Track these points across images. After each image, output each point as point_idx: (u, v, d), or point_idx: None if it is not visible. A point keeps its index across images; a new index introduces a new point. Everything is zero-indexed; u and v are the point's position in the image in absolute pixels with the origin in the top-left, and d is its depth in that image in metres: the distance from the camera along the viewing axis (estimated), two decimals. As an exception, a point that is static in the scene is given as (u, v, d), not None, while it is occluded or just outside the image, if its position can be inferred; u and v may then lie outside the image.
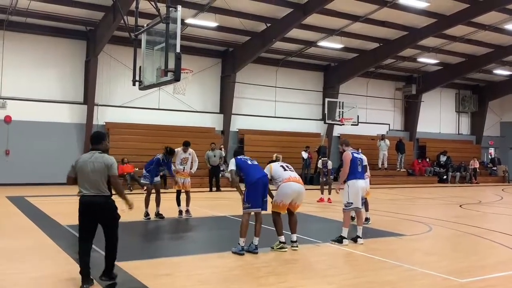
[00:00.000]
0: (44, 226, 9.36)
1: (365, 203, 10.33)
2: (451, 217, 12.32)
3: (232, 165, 7.69)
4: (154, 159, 10.86)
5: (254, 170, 7.59)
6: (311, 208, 13.16)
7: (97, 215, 5.48)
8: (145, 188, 17.10)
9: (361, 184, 8.43)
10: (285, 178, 7.68)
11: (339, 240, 8.29)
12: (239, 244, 7.27)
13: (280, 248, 7.64)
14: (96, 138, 5.68)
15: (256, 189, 7.40)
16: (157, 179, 11.03)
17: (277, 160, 9.33)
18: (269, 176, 7.78)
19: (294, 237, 7.83)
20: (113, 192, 5.60)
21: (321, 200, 14.82)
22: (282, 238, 7.68)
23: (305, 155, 21.86)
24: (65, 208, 12.44)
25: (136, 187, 17.27)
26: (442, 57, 24.24)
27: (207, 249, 7.79)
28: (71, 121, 18.70)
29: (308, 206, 13.48)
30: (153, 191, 10.91)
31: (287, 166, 8.02)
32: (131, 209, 5.69)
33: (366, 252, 7.72)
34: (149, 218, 10.59)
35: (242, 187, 7.64)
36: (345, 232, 8.30)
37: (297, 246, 7.76)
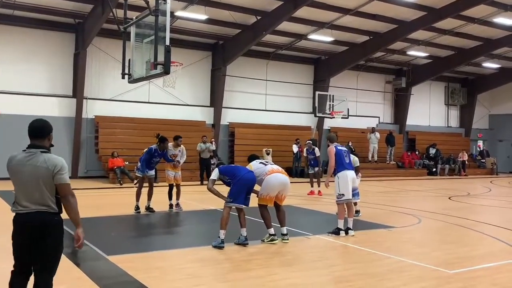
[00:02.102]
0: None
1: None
2: (440, 209, 12.43)
3: (213, 174, 7.68)
4: (147, 149, 10.70)
5: (238, 170, 7.72)
6: (300, 200, 13.21)
7: (34, 240, 3.72)
8: (135, 182, 17.11)
9: (351, 175, 8.57)
10: (268, 171, 7.71)
11: (336, 232, 8.41)
12: (219, 237, 7.30)
13: (270, 240, 7.69)
14: (38, 130, 3.87)
15: (240, 184, 7.48)
16: (151, 172, 10.81)
17: (267, 153, 9.51)
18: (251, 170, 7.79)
19: (284, 230, 7.86)
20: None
21: (311, 193, 14.83)
22: (272, 231, 7.74)
23: (295, 148, 21.89)
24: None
25: (126, 181, 17.23)
26: (431, 50, 24.34)
27: (198, 242, 7.79)
28: (60, 115, 18.54)
29: (298, 199, 13.53)
30: (146, 184, 10.84)
31: (266, 162, 8.07)
32: (79, 246, 3.93)
33: (356, 244, 7.77)
34: (139, 212, 10.55)
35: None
36: (340, 224, 8.44)
37: (287, 239, 7.80)
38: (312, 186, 15.01)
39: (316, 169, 14.91)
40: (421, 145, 27.75)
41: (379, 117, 27.63)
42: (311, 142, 14.67)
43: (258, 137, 21.83)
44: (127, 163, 17.97)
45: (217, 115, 21.74)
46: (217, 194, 7.56)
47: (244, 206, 7.59)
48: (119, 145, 18.75)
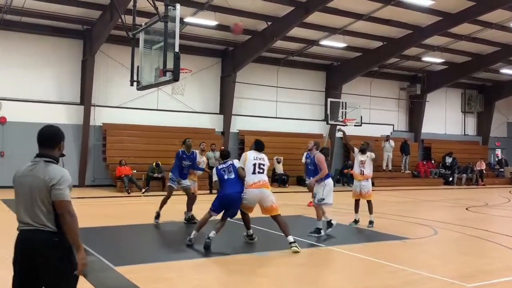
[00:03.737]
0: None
1: (368, 205, 10.39)
2: (457, 219, 12.32)
3: (241, 162, 8.18)
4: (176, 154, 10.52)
5: (226, 186, 8.01)
6: (311, 211, 13.14)
7: (34, 263, 3.38)
8: (143, 191, 17.18)
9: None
10: (249, 184, 8.05)
11: (317, 231, 9.16)
12: (188, 235, 8.03)
13: (249, 239, 8.37)
14: (48, 138, 3.56)
15: (222, 201, 8.01)
16: (186, 182, 10.31)
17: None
18: (242, 166, 8.10)
19: (291, 238, 7.91)
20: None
21: (311, 203, 14.43)
22: (250, 232, 8.38)
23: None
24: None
25: (134, 190, 17.31)
26: (447, 56, 24.23)
27: (207, 253, 7.80)
28: (68, 122, 18.68)
29: (310, 209, 13.47)
30: (179, 192, 10.62)
31: (259, 166, 8.19)
32: (79, 273, 3.43)
33: (370, 256, 7.72)
34: (158, 221, 10.36)
35: None
36: (319, 224, 9.21)
37: (296, 247, 7.79)
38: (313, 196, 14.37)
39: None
40: (437, 154, 27.55)
41: (393, 125, 27.50)
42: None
43: (268, 145, 21.51)
44: (135, 171, 18.04)
45: (227, 123, 21.79)
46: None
47: (216, 214, 8.15)
48: (127, 153, 18.85)
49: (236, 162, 8.18)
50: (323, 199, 9.23)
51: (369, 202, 10.55)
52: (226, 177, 8.02)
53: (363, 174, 10.59)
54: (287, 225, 8.05)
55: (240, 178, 8.00)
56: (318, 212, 9.30)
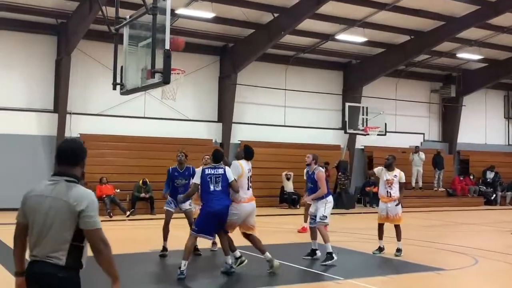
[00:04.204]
0: (5, 259, 9.34)
1: (396, 231, 10.43)
2: (501, 246, 12.25)
3: (196, 178, 8.37)
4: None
5: (211, 198, 8.09)
6: (331, 237, 13.07)
7: None
8: (128, 214, 17.17)
9: None
10: (242, 199, 8.29)
11: (329, 257, 9.19)
12: (179, 268, 8.00)
13: (239, 264, 8.41)
14: (68, 154, 3.62)
15: (208, 219, 8.09)
16: (185, 205, 10.00)
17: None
18: (235, 178, 8.26)
19: (268, 255, 8.29)
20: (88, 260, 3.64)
21: (303, 229, 13.46)
22: (237, 254, 8.47)
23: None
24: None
25: (116, 213, 17.29)
26: (487, 51, 24.22)
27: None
28: (39, 133, 18.71)
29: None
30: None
31: (250, 179, 8.53)
32: None
33: (398, 291, 7.67)
34: (165, 255, 10.07)
35: None
36: (329, 247, 9.26)
37: (272, 264, 8.22)
38: (306, 220, 13.12)
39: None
40: (476, 168, 27.42)
41: (423, 134, 27.45)
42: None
43: (275, 158, 21.80)
44: (118, 190, 18.01)
45: (226, 132, 21.81)
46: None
47: (211, 238, 8.45)
48: (109, 169, 18.83)
49: (228, 172, 8.22)
50: (326, 216, 9.45)
51: (397, 227, 10.49)
52: (212, 188, 8.11)
53: (390, 196, 10.53)
54: (260, 241, 8.50)
55: (228, 191, 8.19)
56: (323, 233, 9.41)
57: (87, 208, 3.40)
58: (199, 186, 8.30)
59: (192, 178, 10.03)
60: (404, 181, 10.71)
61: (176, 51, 9.11)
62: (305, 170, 14.15)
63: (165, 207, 10.27)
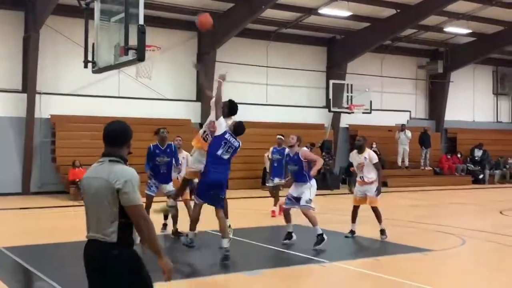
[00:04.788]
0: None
1: (375, 213, 10.27)
2: (489, 226, 12.44)
3: (219, 122, 8.38)
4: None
5: (215, 167, 8.15)
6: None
7: (94, 280, 3.78)
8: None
9: None
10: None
11: (320, 239, 9.16)
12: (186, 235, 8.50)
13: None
14: (114, 135, 3.96)
15: (203, 187, 8.31)
16: (168, 186, 10.00)
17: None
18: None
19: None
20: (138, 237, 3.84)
21: (274, 213, 13.32)
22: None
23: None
24: (1, 226, 12.36)
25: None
26: (475, 25, 24.34)
27: (183, 274, 7.78)
28: (6, 114, 18.46)
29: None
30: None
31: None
32: (168, 278, 3.83)
33: (385, 273, 7.76)
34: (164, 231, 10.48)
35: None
36: (319, 229, 9.25)
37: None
38: (276, 204, 13.22)
39: (283, 180, 12.54)
40: (464, 146, 27.71)
41: (410, 111, 27.62)
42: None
43: (257, 138, 21.78)
44: (92, 174, 17.90)
45: (206, 112, 21.69)
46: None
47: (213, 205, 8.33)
48: (82, 152, 18.66)
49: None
50: (311, 200, 9.44)
51: (374, 209, 10.25)
52: (220, 152, 8.14)
53: (363, 181, 10.29)
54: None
55: (230, 164, 8.39)
56: (311, 216, 9.41)
57: (125, 184, 3.64)
58: (208, 147, 8.33)
59: (175, 156, 10.11)
60: (376, 161, 10.25)
61: (204, 29, 9.20)
62: (270, 150, 14.15)
63: (146, 191, 9.94)
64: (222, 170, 8.20)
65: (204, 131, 8.94)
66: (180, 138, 11.19)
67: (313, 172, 9.50)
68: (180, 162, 10.60)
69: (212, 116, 8.68)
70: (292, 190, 9.60)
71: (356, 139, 10.83)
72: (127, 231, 3.70)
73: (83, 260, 3.81)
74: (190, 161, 9.90)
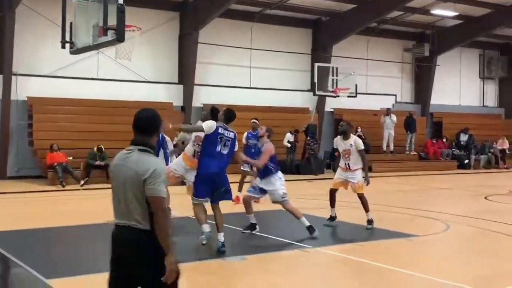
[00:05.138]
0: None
1: (361, 201, 10.06)
2: (474, 212, 12.56)
3: (206, 123, 8.00)
4: None
5: (211, 161, 7.93)
6: (298, 204, 13.24)
7: (123, 264, 3.89)
8: (82, 183, 17.03)
9: None
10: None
11: (312, 229, 9.01)
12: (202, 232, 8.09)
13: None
14: (143, 123, 3.99)
15: (203, 181, 8.05)
16: None
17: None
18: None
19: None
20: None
21: (238, 199, 12.45)
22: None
23: (290, 138, 21.72)
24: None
25: (69, 182, 17.13)
26: (462, 8, 24.41)
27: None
28: (-18, 97, 18.32)
29: (296, 202, 13.56)
30: None
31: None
32: (167, 279, 3.75)
33: (370, 259, 7.84)
34: None
35: None
36: (306, 221, 9.10)
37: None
38: (240, 190, 13.13)
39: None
40: (450, 131, 27.93)
41: (395, 95, 27.73)
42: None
43: (241, 122, 21.28)
44: (70, 158, 17.79)
45: (188, 95, 21.65)
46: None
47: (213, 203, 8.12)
48: (60, 135, 18.56)
49: (236, 139, 8.22)
50: (285, 193, 9.24)
51: (361, 196, 10.00)
52: (218, 149, 7.93)
53: (349, 168, 10.04)
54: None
55: (230, 159, 8.22)
56: (293, 209, 9.29)
57: (151, 175, 3.74)
58: (203, 146, 8.15)
59: (162, 146, 9.99)
60: (362, 148, 9.98)
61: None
62: (245, 135, 13.93)
63: None
64: (218, 163, 7.96)
65: (195, 151, 9.00)
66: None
67: (246, 159, 9.55)
68: (169, 151, 10.54)
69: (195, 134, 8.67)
70: (260, 183, 9.35)
71: (339, 124, 10.57)
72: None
73: (112, 244, 3.92)
74: (173, 163, 9.97)
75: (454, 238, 9.86)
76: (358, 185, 9.98)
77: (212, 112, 8.55)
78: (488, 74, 30.63)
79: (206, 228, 8.08)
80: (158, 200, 3.75)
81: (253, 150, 12.66)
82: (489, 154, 27.24)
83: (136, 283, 3.82)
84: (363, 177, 10.00)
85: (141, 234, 3.79)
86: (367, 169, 10.26)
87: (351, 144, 9.90)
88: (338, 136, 10.32)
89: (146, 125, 3.96)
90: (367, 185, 10.04)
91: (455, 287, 6.45)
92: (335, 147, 10.67)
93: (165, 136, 10.97)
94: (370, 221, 10.01)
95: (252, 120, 13.44)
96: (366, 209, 10.02)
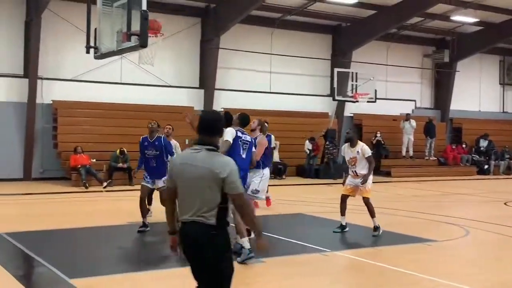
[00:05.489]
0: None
1: (367, 206, 9.79)
2: (493, 217, 12.43)
3: (229, 135, 7.74)
4: None
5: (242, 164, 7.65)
6: (315, 208, 13.22)
7: (193, 257, 4.17)
8: (105, 185, 17.14)
9: None
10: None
11: (239, 253, 7.87)
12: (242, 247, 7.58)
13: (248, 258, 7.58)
14: (209, 124, 4.20)
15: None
16: (160, 182, 9.68)
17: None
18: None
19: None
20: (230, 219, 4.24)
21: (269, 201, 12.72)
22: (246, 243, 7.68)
23: (308, 145, 21.89)
24: (1, 211, 12.43)
25: (93, 184, 17.26)
26: (482, 14, 24.21)
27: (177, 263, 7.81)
28: (8, 99, 18.49)
29: (313, 206, 13.56)
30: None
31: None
32: (263, 249, 4.25)
33: (385, 263, 7.80)
34: (145, 231, 9.84)
35: None
36: (246, 243, 8.26)
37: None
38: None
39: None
40: (470, 136, 27.70)
41: (415, 101, 27.57)
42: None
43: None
44: (94, 160, 17.95)
45: (208, 99, 21.72)
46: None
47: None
48: (83, 138, 18.73)
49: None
50: (258, 191, 8.94)
51: (366, 201, 9.73)
52: (241, 152, 7.87)
53: (357, 174, 9.79)
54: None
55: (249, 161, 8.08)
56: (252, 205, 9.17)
57: (230, 175, 3.99)
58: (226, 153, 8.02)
59: (164, 149, 9.81)
60: (370, 154, 9.73)
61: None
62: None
63: (141, 182, 9.93)
64: (241, 167, 7.85)
65: None
66: (170, 126, 10.80)
67: (258, 154, 8.98)
68: (173, 153, 10.09)
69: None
70: (249, 177, 8.98)
71: (346, 132, 10.33)
72: (223, 214, 4.05)
73: (181, 239, 4.16)
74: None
75: (473, 244, 9.75)
76: (366, 189, 9.74)
77: (226, 117, 8.43)
78: (508, 81, 30.34)
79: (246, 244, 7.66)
80: (240, 196, 4.05)
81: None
82: (509, 160, 26.92)
83: (206, 272, 4.10)
84: (362, 182, 9.69)
85: (208, 229, 4.00)
86: (371, 173, 9.85)
87: (358, 152, 9.69)
88: (346, 144, 10.03)
89: (211, 126, 4.18)
90: (361, 183, 9.66)
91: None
92: (342, 154, 10.27)
93: (173, 141, 10.85)
94: (376, 228, 9.71)
95: (253, 121, 13.08)
96: (372, 215, 9.76)
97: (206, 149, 4.08)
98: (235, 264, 7.41)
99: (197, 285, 4.25)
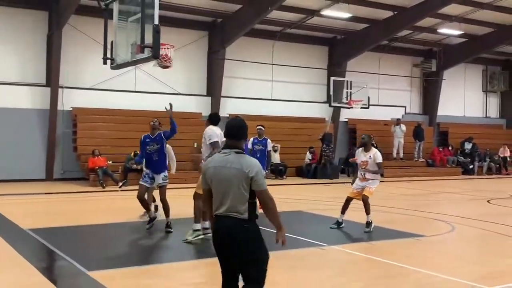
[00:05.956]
0: (1, 230, 9.35)
1: (364, 204, 9.74)
2: (477, 214, 12.40)
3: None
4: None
5: None
6: (313, 206, 13.20)
7: (227, 248, 4.29)
8: (120, 185, 17.15)
9: None
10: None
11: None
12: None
13: (195, 236, 8.38)
14: (235, 130, 4.36)
15: None
16: (159, 178, 9.53)
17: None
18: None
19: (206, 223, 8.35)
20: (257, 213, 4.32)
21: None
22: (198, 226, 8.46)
23: (308, 156, 22.07)
24: (25, 209, 12.45)
25: (109, 184, 17.29)
26: (466, 27, 24.19)
27: (192, 256, 7.80)
28: (32, 107, 18.55)
29: (311, 203, 13.54)
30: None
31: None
32: (282, 241, 4.41)
33: (380, 256, 7.78)
34: (152, 225, 9.61)
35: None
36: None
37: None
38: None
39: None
40: (455, 139, 27.67)
41: (405, 107, 27.55)
42: (262, 128, 11.77)
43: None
44: (110, 162, 17.96)
45: (215, 106, 21.75)
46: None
47: None
48: (101, 142, 18.76)
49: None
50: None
51: (364, 199, 9.67)
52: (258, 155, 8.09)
53: (365, 178, 9.74)
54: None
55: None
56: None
57: (257, 174, 4.20)
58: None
59: (165, 141, 9.82)
60: (380, 161, 9.62)
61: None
62: (251, 140, 13.08)
63: (140, 182, 9.70)
64: None
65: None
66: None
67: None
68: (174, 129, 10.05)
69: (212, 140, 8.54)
70: None
71: (361, 137, 10.12)
72: (253, 209, 4.23)
73: (216, 232, 4.32)
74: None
75: (459, 239, 9.74)
76: (369, 190, 9.68)
77: (214, 117, 8.68)
78: (491, 88, 30.35)
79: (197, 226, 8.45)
80: (266, 192, 4.23)
81: (258, 155, 12.31)
82: (491, 161, 26.86)
83: (239, 264, 4.25)
84: (370, 172, 9.67)
85: (241, 222, 4.18)
86: (377, 174, 9.81)
87: (370, 156, 9.62)
88: (360, 148, 10.01)
89: (236, 131, 4.36)
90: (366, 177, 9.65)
91: (461, 284, 6.36)
92: (356, 157, 10.09)
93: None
94: (368, 224, 9.65)
95: (258, 127, 13.00)
96: (367, 212, 9.69)
97: (234, 152, 4.27)
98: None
99: (223, 277, 4.38)
